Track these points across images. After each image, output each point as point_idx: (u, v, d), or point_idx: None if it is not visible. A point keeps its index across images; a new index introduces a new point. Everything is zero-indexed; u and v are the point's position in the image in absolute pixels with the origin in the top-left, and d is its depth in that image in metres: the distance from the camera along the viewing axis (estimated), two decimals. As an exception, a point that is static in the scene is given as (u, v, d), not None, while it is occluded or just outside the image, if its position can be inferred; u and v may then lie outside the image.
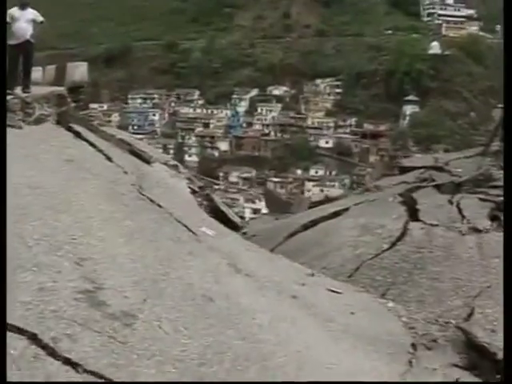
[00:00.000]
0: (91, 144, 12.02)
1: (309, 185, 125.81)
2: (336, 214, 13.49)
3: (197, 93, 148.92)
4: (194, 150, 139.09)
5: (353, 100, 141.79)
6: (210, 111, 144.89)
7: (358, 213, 13.00)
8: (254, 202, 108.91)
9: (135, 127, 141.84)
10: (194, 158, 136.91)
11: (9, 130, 11.29)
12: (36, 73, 22.35)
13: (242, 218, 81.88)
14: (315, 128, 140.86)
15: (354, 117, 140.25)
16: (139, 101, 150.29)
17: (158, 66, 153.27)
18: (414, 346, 7.66)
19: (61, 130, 12.93)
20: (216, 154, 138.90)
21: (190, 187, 13.91)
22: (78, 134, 12.71)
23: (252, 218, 19.35)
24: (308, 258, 11.13)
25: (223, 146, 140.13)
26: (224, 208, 14.43)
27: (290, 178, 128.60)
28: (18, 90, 15.61)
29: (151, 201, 9.37)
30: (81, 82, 21.27)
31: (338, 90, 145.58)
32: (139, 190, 9.89)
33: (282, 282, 7.82)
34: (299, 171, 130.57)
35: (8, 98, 13.69)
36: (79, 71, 21.95)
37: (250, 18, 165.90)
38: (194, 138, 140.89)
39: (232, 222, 13.87)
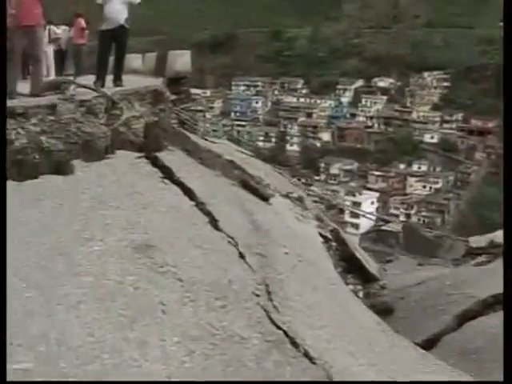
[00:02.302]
0: (186, 190, 8.87)
1: (411, 180, 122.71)
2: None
3: (301, 82, 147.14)
4: (295, 140, 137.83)
5: (461, 95, 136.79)
6: (313, 101, 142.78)
7: None
8: (354, 195, 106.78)
9: (238, 114, 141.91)
10: (296, 148, 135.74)
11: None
12: (135, 60, 21.15)
13: (342, 210, 79.70)
14: (420, 122, 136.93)
15: (461, 112, 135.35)
16: (242, 88, 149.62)
17: (262, 54, 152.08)
18: None
19: (143, 164, 9.81)
20: (318, 144, 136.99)
21: (321, 234, 11.73)
22: (166, 171, 9.60)
23: (388, 261, 15.56)
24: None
25: (325, 136, 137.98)
26: (359, 255, 12.42)
27: (392, 173, 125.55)
28: (109, 83, 13.72)
29: (296, 345, 5.62)
30: (183, 72, 19.95)
31: (445, 84, 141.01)
32: (269, 313, 6.10)
33: None
34: (402, 166, 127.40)
35: (91, 96, 11.22)
36: (182, 60, 20.64)
37: (358, 7, 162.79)
38: (296, 128, 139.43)
39: (368, 274, 12.04)
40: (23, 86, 11.71)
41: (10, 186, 7.42)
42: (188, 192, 8.70)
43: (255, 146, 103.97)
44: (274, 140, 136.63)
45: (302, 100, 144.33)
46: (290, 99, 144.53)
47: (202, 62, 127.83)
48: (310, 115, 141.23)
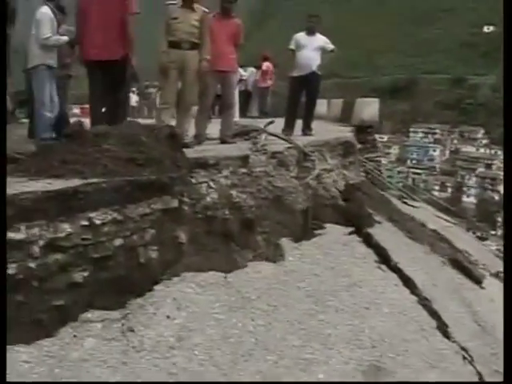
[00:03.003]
0: (404, 279, 7.37)
1: None
2: None
3: (481, 131, 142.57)
4: (473, 191, 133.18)
5: None
6: (494, 152, 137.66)
7: None
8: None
9: (414, 161, 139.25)
10: (472, 200, 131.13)
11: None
12: (320, 106, 20.60)
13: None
14: None
15: None
16: (420, 135, 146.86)
17: (442, 101, 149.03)
18: None
19: (355, 243, 8.52)
20: (496, 197, 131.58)
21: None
22: (381, 253, 8.21)
23: None
24: None
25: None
26: None
27: None
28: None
29: None
30: (370, 121, 19.26)
31: None
32: None
33: None
34: None
35: (283, 147, 10.49)
36: (370, 109, 19.98)
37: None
38: (474, 179, 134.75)
39: None
40: (208, 127, 11.47)
41: (218, 277, 6.33)
42: (407, 282, 7.43)
43: (430, 196, 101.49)
44: (450, 190, 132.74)
45: (481, 150, 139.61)
46: (469, 149, 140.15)
47: (381, 107, 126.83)
48: (489, 166, 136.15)
